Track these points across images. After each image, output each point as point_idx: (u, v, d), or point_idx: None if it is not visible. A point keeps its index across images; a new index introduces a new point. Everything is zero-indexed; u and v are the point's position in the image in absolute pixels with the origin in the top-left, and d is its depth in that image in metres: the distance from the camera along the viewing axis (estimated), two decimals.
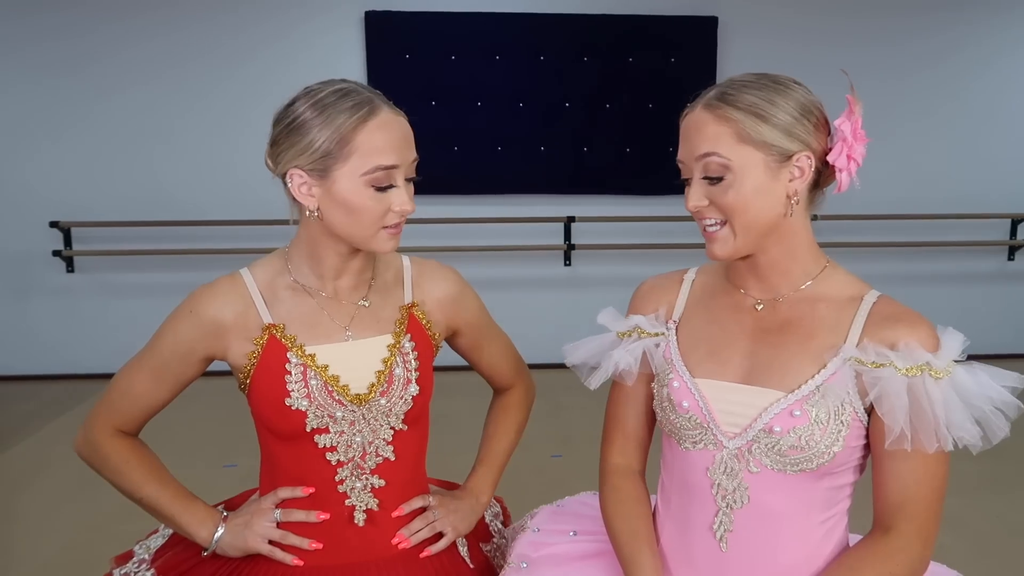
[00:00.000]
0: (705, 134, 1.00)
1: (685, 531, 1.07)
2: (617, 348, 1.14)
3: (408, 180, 1.12)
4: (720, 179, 1.00)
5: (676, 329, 1.12)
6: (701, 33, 4.85)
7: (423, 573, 1.20)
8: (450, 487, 1.38)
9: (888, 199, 4.98)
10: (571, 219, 4.95)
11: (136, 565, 1.27)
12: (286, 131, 1.10)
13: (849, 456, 1.00)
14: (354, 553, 1.17)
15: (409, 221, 4.42)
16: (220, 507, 1.28)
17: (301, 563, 1.16)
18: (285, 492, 1.16)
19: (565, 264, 5.08)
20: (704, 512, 1.04)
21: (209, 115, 4.77)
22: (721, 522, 1.03)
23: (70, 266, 4.86)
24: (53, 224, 4.74)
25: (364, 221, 1.09)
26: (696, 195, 1.02)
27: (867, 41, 4.92)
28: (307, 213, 1.11)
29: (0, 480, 3.60)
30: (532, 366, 5.50)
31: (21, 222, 4.78)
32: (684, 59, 4.89)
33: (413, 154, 1.12)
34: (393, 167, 1.07)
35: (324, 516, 1.16)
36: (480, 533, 1.36)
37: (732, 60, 4.82)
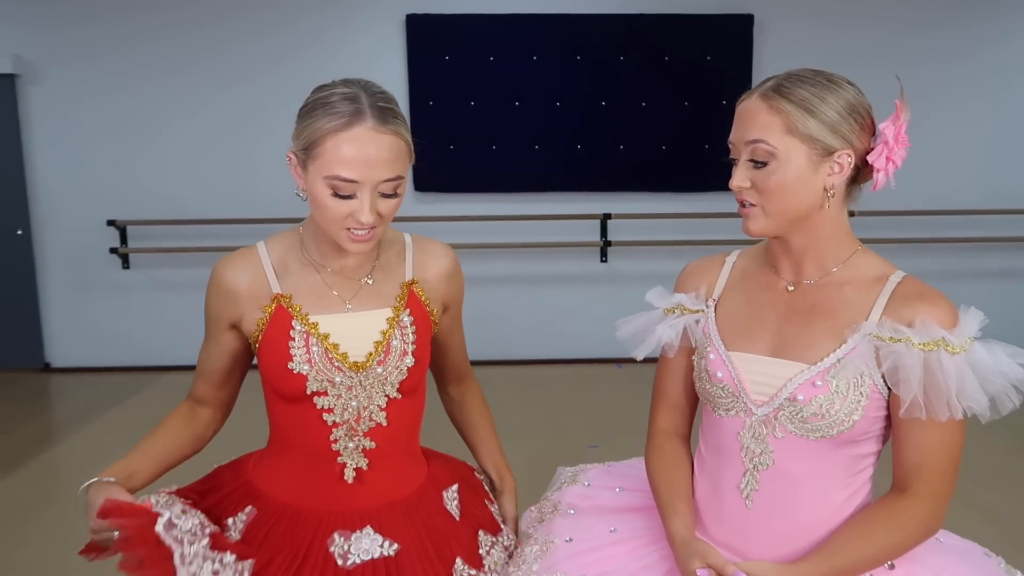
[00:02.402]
0: (757, 122, 1.08)
1: (716, 489, 1.17)
2: (661, 323, 1.24)
3: (383, 195, 1.15)
4: (765, 164, 1.08)
5: (715, 307, 1.22)
6: (737, 31, 4.88)
7: (409, 522, 1.26)
8: (442, 457, 1.45)
9: (928, 195, 4.95)
10: (607, 216, 5.01)
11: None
12: (299, 114, 1.18)
13: (870, 426, 1.08)
14: (339, 503, 1.24)
15: (450, 218, 4.54)
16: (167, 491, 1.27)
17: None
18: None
19: (602, 260, 5.15)
20: (733, 472, 1.14)
21: (256, 119, 4.93)
22: (748, 482, 1.12)
23: (126, 263, 5.07)
24: (110, 223, 4.96)
25: (327, 218, 1.16)
26: (740, 176, 1.11)
27: (904, 39, 4.90)
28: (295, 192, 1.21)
29: (60, 465, 3.81)
30: (569, 361, 5.55)
31: (81, 221, 5.01)
32: (720, 57, 4.92)
33: (385, 174, 1.13)
34: (352, 181, 1.12)
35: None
36: (483, 493, 1.44)
37: (768, 58, 4.85)
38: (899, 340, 1.03)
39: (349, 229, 1.16)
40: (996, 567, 1.18)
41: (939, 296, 1.07)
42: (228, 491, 1.29)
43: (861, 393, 1.05)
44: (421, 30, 4.86)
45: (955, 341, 1.02)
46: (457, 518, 1.32)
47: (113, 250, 5.00)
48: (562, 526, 1.28)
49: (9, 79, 4.84)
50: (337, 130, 1.11)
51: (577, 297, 5.21)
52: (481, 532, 1.33)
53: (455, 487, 1.36)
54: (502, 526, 1.39)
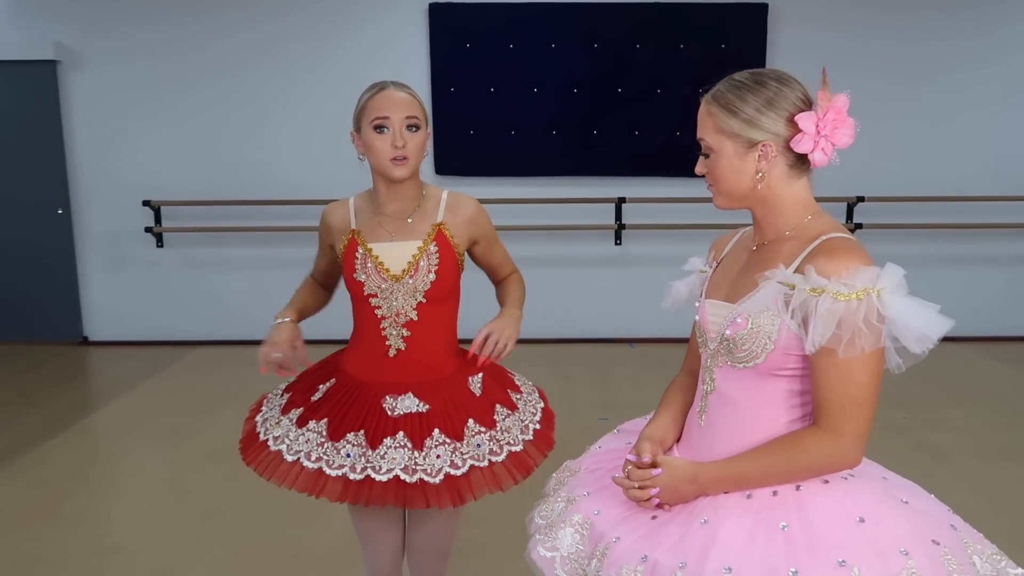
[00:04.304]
0: (700, 122, 1.34)
1: (692, 412, 1.43)
2: (680, 281, 1.56)
3: (408, 129, 1.71)
4: (708, 156, 1.34)
5: (716, 268, 1.47)
6: (752, 20, 4.99)
7: (438, 393, 1.77)
8: (476, 358, 1.82)
9: (941, 181, 5.03)
10: (622, 200, 5.16)
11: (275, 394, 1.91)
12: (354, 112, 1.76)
13: (784, 360, 1.26)
14: (388, 375, 1.79)
15: None
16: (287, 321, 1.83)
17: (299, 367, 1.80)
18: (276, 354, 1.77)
19: (616, 243, 5.30)
20: (698, 397, 1.41)
21: (284, 103, 5.13)
22: (703, 405, 1.38)
23: (160, 242, 5.30)
24: (145, 203, 5.19)
25: (377, 155, 1.71)
26: (699, 165, 1.37)
27: (917, 27, 4.99)
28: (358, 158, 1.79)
29: (100, 429, 4.05)
30: (583, 340, 5.71)
31: (117, 201, 5.25)
32: (735, 46, 5.04)
33: (405, 112, 1.70)
34: (384, 118, 1.70)
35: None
36: (510, 385, 1.88)
37: (782, 46, 4.96)
38: (793, 286, 1.22)
39: (393, 159, 1.70)
40: (931, 500, 1.28)
41: (847, 254, 1.22)
42: (324, 371, 1.88)
43: (773, 329, 1.24)
44: (443, 19, 5.02)
45: (837, 289, 1.17)
46: (478, 395, 1.81)
47: (148, 229, 5.23)
48: (603, 440, 1.59)
49: (51, 65, 5.08)
50: (372, 96, 1.73)
51: (592, 279, 5.37)
52: (498, 406, 1.80)
53: (480, 375, 1.84)
54: (519, 406, 1.84)
